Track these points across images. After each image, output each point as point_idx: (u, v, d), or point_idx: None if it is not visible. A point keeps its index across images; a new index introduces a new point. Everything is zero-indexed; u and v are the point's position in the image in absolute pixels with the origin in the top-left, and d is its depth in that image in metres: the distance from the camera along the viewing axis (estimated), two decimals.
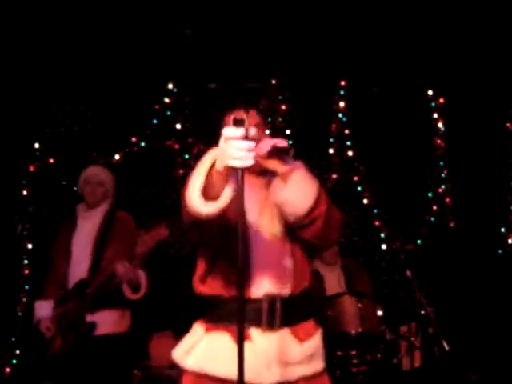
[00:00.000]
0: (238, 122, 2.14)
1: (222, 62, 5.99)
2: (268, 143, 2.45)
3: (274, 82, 6.19)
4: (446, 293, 5.77)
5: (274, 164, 2.49)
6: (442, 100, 6.26)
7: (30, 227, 5.80)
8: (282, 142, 2.46)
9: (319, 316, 2.87)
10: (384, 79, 6.24)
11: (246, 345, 2.42)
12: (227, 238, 2.44)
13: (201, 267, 2.69)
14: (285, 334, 2.59)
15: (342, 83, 6.25)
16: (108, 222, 4.42)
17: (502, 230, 6.09)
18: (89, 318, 4.19)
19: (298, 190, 2.46)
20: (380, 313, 4.79)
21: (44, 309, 4.34)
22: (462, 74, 6.09)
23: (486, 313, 5.67)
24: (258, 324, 2.56)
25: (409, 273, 4.73)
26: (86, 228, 4.42)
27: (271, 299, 2.57)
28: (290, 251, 2.63)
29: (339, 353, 4.56)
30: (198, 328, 2.71)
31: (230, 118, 2.25)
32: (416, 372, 4.88)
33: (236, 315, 2.35)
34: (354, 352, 4.58)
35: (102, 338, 4.20)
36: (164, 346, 5.31)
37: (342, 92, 6.25)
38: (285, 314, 2.58)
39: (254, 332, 2.56)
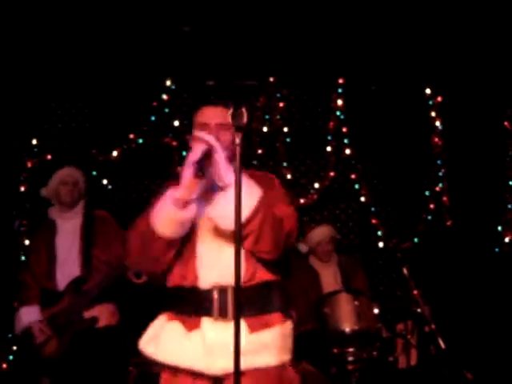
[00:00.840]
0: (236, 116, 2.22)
1: (220, 59, 5.98)
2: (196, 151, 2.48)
3: (272, 79, 6.19)
4: (442, 291, 5.77)
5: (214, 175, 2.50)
6: (439, 98, 6.26)
7: (28, 223, 5.80)
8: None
9: (289, 311, 2.78)
10: (382, 77, 6.24)
11: (195, 333, 2.57)
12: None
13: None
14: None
15: (340, 81, 6.25)
16: (89, 221, 4.49)
17: (499, 228, 6.10)
18: (87, 313, 4.23)
19: (228, 208, 2.36)
20: (376, 310, 4.80)
21: (31, 314, 4.39)
22: (460, 72, 6.09)
23: (483, 311, 5.68)
24: (210, 313, 2.57)
25: (405, 271, 4.73)
26: (68, 229, 4.51)
27: (221, 289, 2.56)
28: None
29: (335, 350, 4.56)
30: (161, 317, 2.74)
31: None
32: (412, 370, 4.89)
33: (189, 306, 2.57)
34: (350, 349, 4.57)
35: (104, 330, 4.31)
36: None
37: (339, 90, 6.25)
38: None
39: (206, 321, 2.57)
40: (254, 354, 2.52)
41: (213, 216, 2.51)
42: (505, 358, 5.33)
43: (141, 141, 6.08)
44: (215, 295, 2.56)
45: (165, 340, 2.64)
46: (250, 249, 2.54)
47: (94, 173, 6.00)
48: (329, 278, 5.28)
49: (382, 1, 5.58)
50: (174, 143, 6.09)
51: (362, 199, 6.18)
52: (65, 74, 6.05)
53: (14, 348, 5.39)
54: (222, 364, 2.48)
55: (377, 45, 5.95)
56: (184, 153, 6.04)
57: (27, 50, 5.77)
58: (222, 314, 2.56)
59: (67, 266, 4.35)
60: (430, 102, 6.29)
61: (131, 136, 6.06)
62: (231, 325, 2.41)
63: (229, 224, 2.38)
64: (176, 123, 6.11)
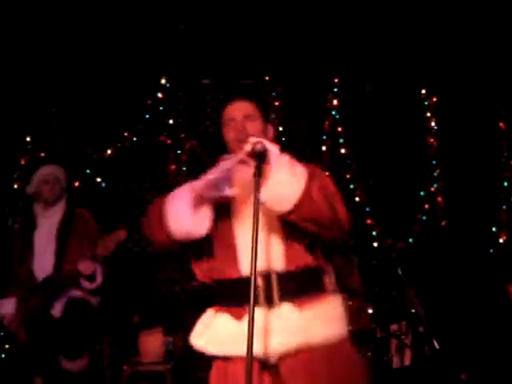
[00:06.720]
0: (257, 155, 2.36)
1: (215, 57, 5.97)
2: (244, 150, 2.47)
3: (267, 78, 6.18)
4: (437, 291, 5.77)
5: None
6: (435, 99, 6.27)
7: (21, 220, 5.77)
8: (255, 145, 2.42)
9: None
10: (377, 77, 6.24)
11: (245, 321, 2.43)
12: (217, 222, 2.60)
13: (195, 264, 2.72)
14: (285, 307, 2.53)
15: (336, 81, 6.24)
16: (68, 220, 4.55)
17: (494, 229, 6.10)
18: (54, 311, 4.34)
19: (281, 190, 2.41)
20: (370, 311, 4.79)
21: (6, 306, 4.47)
22: (455, 73, 6.10)
23: (477, 312, 5.68)
24: (256, 301, 2.44)
25: (400, 271, 4.73)
26: (47, 226, 4.57)
27: (265, 275, 2.53)
28: (279, 228, 2.57)
29: None
30: (209, 311, 2.71)
31: (247, 148, 2.41)
32: (406, 370, 4.88)
33: (234, 297, 2.54)
34: None
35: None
36: (153, 342, 5.32)
37: (335, 89, 6.24)
38: (283, 289, 2.53)
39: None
40: (307, 331, 2.49)
41: (265, 199, 2.42)
42: (499, 359, 5.33)
43: (135, 139, 6.06)
44: (259, 282, 2.52)
45: (216, 331, 2.62)
46: (308, 217, 2.46)
47: (88, 171, 5.98)
48: None
49: (377, 1, 5.59)
50: (169, 141, 6.08)
51: (357, 199, 6.17)
52: (59, 72, 6.02)
53: (6, 346, 5.38)
54: (277, 344, 2.46)
55: (372, 45, 5.96)
56: (178, 151, 6.05)
57: (22, 48, 5.75)
58: (268, 301, 2.53)
59: (42, 264, 4.46)
60: (426, 103, 6.29)
61: (126, 134, 6.04)
62: (279, 310, 2.50)
63: (285, 205, 2.41)
64: (171, 121, 6.10)
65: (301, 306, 2.53)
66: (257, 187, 2.36)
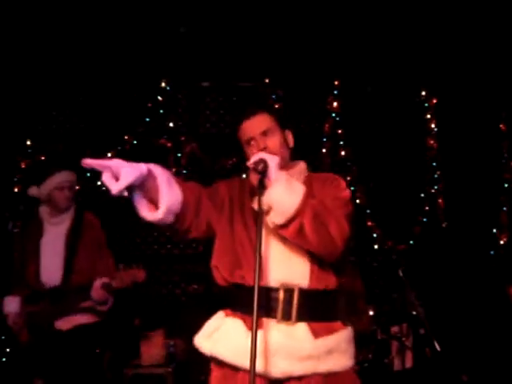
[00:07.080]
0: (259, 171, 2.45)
1: (215, 60, 5.97)
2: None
3: (267, 80, 6.18)
4: (437, 293, 5.77)
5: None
6: (435, 100, 6.27)
7: (21, 224, 5.77)
8: (255, 160, 2.50)
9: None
10: (377, 79, 6.24)
11: (258, 333, 2.41)
12: (246, 230, 2.63)
13: (217, 257, 2.69)
14: (301, 328, 2.53)
15: (336, 83, 6.24)
16: (76, 229, 4.47)
17: (494, 230, 6.10)
18: (59, 323, 4.29)
19: (278, 197, 2.44)
20: (371, 312, 4.79)
21: (11, 304, 4.42)
22: (455, 74, 6.10)
23: (478, 314, 5.67)
24: (273, 314, 2.53)
25: (400, 273, 4.72)
26: (54, 233, 4.46)
27: (288, 289, 2.53)
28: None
29: None
30: (220, 313, 2.71)
31: (250, 162, 2.49)
32: (407, 372, 4.88)
33: (251, 305, 2.39)
34: None
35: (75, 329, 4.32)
36: (154, 345, 5.32)
37: (335, 92, 6.24)
38: (302, 307, 2.53)
39: (269, 322, 2.53)
40: (317, 360, 2.51)
41: (264, 209, 2.46)
42: (500, 361, 5.32)
43: (135, 142, 6.06)
44: (281, 295, 2.54)
45: (225, 337, 2.60)
46: (295, 240, 2.49)
47: (88, 174, 5.97)
48: None
49: (377, 3, 5.59)
50: (169, 144, 6.08)
51: (358, 201, 6.17)
52: (59, 75, 6.02)
53: (7, 350, 5.37)
54: (284, 366, 2.48)
55: (372, 47, 5.96)
56: (179, 154, 6.05)
57: (23, 51, 5.75)
58: (286, 317, 2.53)
59: (50, 271, 4.36)
60: (426, 104, 6.29)
61: (126, 137, 6.04)
62: (294, 328, 2.52)
63: (280, 217, 2.43)
64: (171, 124, 6.10)
65: (315, 332, 2.53)
66: (260, 200, 2.43)
